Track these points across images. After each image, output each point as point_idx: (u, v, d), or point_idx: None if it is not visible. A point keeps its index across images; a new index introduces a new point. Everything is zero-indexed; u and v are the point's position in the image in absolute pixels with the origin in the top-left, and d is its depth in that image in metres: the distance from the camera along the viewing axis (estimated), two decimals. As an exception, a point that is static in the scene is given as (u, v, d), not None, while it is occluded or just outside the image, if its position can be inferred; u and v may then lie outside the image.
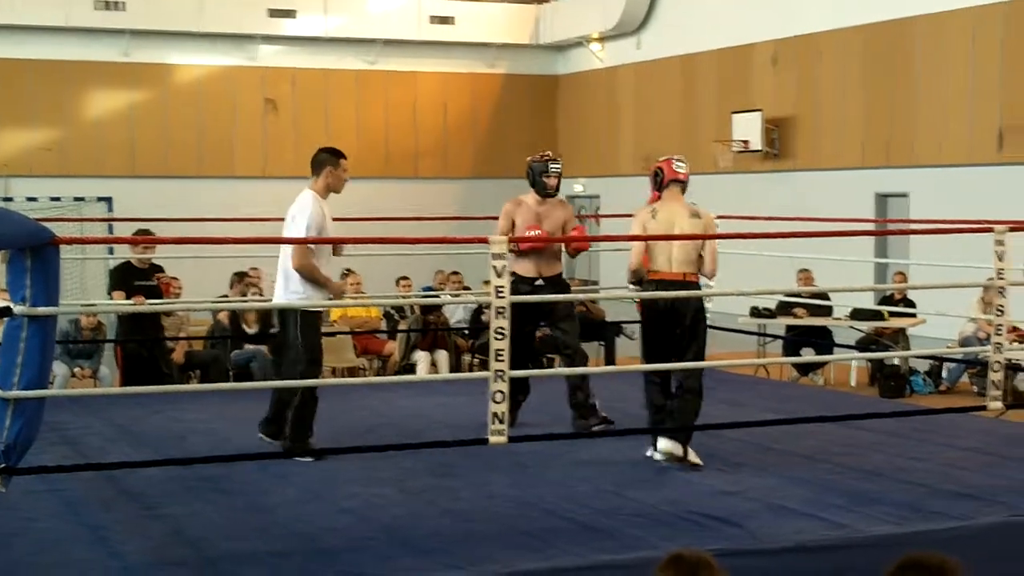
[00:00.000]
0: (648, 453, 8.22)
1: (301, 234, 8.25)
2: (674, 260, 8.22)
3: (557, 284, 9.43)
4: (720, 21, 23.67)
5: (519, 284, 9.12)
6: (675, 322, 8.21)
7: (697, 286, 8.41)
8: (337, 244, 8.68)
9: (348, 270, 16.03)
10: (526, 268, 9.27)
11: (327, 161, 8.53)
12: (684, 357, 8.11)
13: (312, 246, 8.26)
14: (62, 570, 5.93)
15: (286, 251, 8.41)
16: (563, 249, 9.71)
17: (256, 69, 26.23)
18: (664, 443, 8.06)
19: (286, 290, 8.43)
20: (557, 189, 9.46)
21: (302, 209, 8.39)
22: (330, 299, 8.71)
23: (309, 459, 8.17)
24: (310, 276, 8.33)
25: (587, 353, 9.86)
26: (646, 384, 8.44)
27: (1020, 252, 9.18)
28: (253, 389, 10.96)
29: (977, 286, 12.96)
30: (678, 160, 8.56)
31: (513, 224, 9.39)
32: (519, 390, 9.19)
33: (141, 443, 9.10)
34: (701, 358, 8.21)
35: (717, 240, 8.60)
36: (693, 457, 8.02)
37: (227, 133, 26.05)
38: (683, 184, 8.50)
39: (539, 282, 9.27)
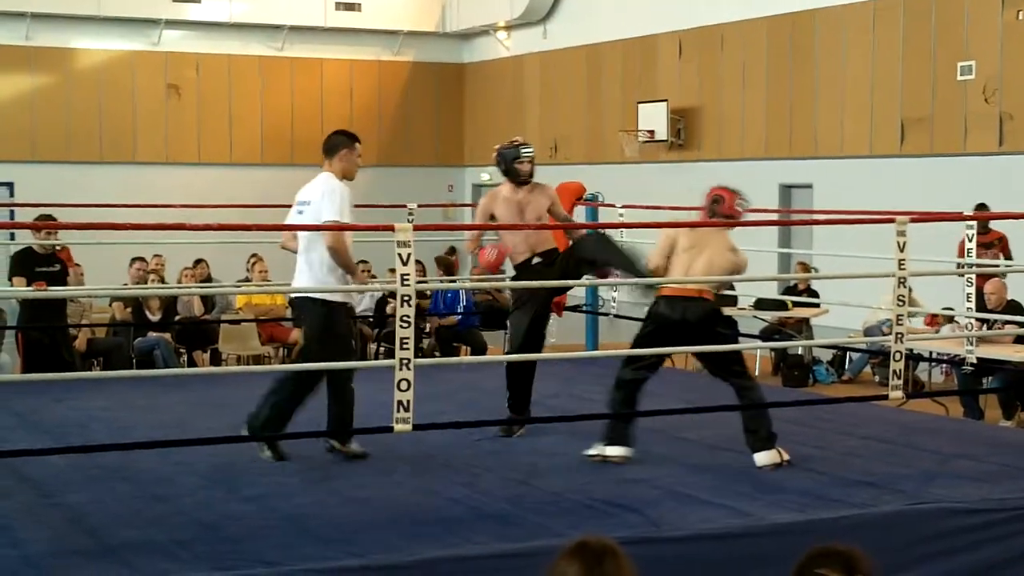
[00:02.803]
0: (592, 452, 8.07)
1: (333, 216, 7.84)
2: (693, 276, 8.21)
3: (552, 259, 9.02)
4: (625, 11, 23.74)
5: (521, 272, 8.96)
6: (684, 334, 8.23)
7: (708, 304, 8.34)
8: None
9: (255, 255, 15.94)
10: (519, 252, 8.99)
11: (341, 144, 8.19)
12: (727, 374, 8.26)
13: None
14: (-42, 560, 5.84)
15: (310, 237, 7.99)
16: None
17: (159, 54, 25.93)
18: (617, 450, 8.02)
19: (311, 281, 8.05)
20: (531, 174, 9.11)
21: (329, 191, 7.99)
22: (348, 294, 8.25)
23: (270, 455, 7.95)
24: (343, 258, 7.90)
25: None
26: (625, 382, 8.28)
27: (931, 244, 9.38)
28: (155, 377, 10.86)
29: (878, 276, 13.07)
30: (742, 199, 8.56)
31: (492, 218, 9.05)
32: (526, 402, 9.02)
33: (42, 431, 8.99)
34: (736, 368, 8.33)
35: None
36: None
37: (129, 118, 25.72)
38: (733, 220, 8.51)
39: (535, 260, 8.95)
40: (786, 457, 7.93)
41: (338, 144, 8.20)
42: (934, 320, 14.05)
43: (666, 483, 7.33)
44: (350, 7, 26.92)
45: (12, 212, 21.53)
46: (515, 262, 8.99)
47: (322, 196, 7.97)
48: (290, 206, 8.36)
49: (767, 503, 6.84)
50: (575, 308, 12.87)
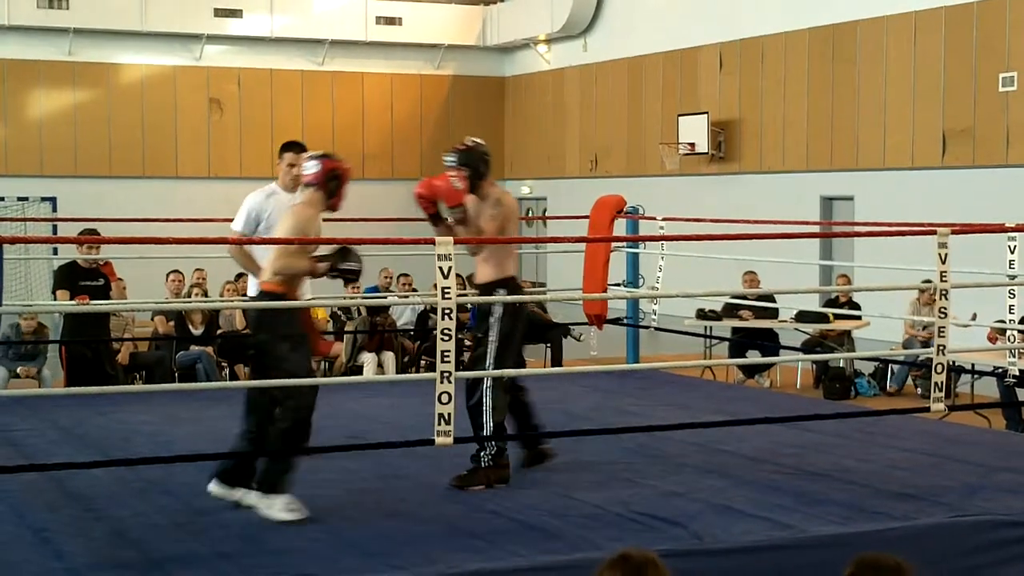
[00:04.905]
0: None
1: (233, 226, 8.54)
2: None
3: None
4: (666, 24, 23.75)
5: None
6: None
7: None
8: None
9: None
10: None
11: None
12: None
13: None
14: (4, 572, 5.88)
15: None
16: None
17: (201, 69, 26.10)
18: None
19: None
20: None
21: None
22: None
23: None
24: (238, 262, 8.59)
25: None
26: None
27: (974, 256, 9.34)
28: (198, 390, 10.92)
29: (919, 288, 13.05)
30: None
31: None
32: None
33: (85, 444, 9.04)
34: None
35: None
36: None
37: (171, 133, 25.91)
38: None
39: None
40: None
41: None
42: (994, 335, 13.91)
43: (706, 496, 7.31)
44: (391, 21, 27.04)
45: (55, 227, 21.69)
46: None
47: None
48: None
49: (809, 516, 6.82)
50: (615, 321, 12.85)
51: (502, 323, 7.72)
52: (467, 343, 14.98)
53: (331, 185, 7.26)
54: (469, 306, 15.48)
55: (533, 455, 8.13)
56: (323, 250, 7.32)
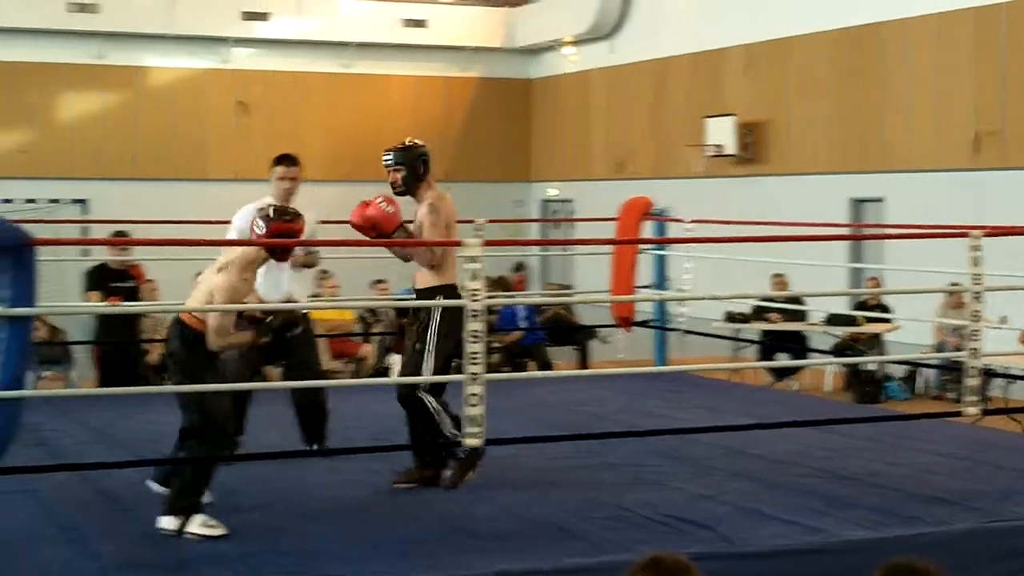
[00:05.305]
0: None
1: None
2: None
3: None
4: (692, 25, 23.71)
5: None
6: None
7: None
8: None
9: (324, 271, 15.99)
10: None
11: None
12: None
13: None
14: (37, 572, 5.92)
15: None
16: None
17: (228, 72, 26.16)
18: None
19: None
20: (393, 185, 8.06)
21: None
22: None
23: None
24: None
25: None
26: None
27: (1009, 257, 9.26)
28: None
29: (950, 291, 12.97)
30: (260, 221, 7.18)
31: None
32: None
33: (116, 445, 9.07)
34: None
35: None
36: None
37: (199, 135, 25.96)
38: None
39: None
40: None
41: None
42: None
43: (735, 499, 7.28)
44: (417, 24, 27.06)
45: (85, 228, 21.71)
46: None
47: None
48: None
49: (839, 520, 6.78)
50: (644, 323, 12.82)
51: (439, 332, 7.56)
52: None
53: None
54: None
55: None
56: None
